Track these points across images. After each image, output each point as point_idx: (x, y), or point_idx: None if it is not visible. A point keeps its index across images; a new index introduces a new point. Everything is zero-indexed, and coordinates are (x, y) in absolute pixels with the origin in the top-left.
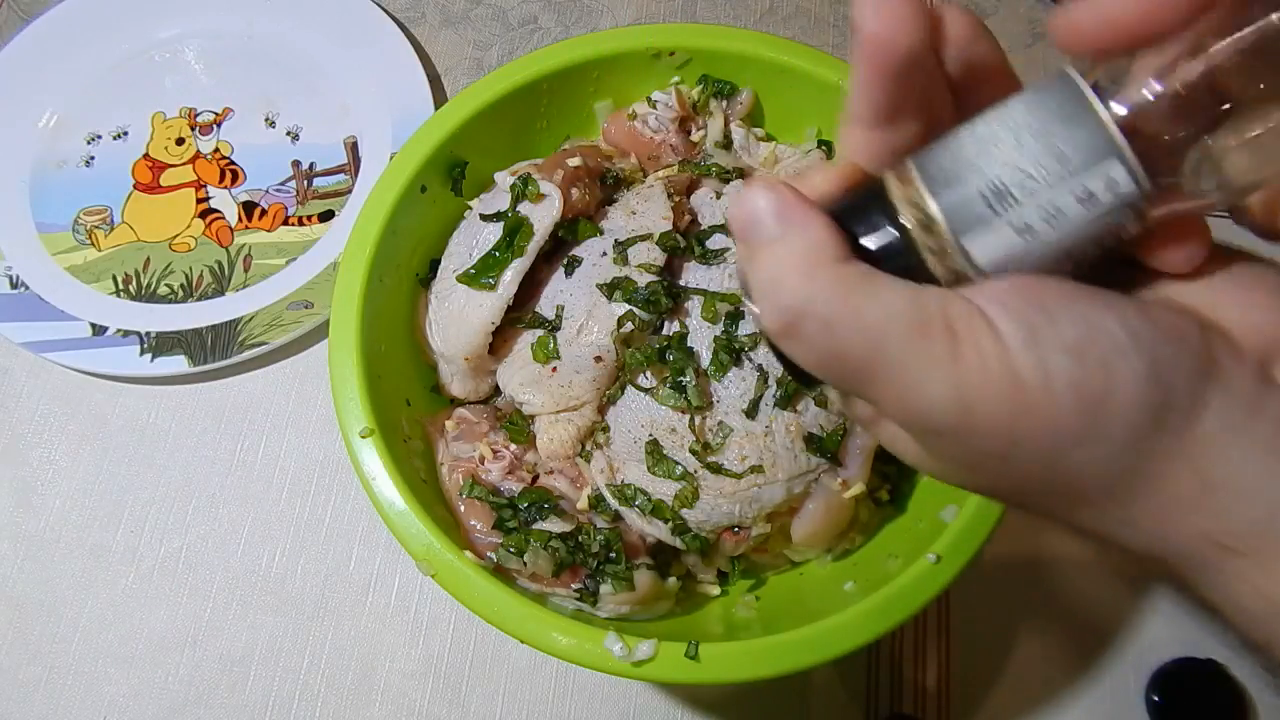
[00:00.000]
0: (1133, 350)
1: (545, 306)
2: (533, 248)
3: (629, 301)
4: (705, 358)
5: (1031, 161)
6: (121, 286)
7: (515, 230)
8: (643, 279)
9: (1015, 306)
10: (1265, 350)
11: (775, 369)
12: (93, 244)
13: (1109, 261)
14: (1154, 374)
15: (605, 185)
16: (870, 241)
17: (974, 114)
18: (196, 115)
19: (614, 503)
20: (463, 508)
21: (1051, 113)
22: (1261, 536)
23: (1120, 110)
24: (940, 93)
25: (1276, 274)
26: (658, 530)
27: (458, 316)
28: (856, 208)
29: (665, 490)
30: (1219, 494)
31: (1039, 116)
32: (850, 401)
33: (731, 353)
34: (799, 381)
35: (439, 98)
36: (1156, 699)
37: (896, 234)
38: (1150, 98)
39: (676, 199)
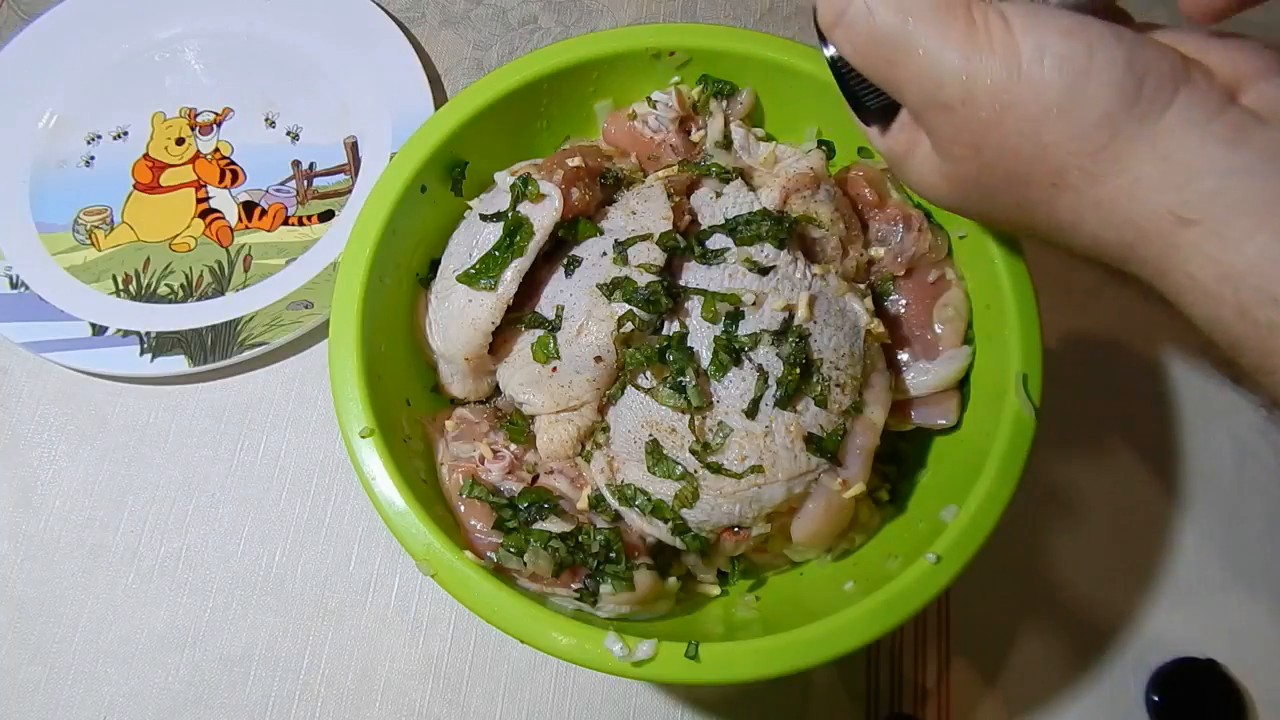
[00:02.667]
0: (1115, 43)
1: (545, 306)
2: (533, 248)
3: (629, 301)
4: (705, 358)
5: None
6: (121, 286)
7: (515, 230)
8: (643, 279)
9: (1027, 5)
10: (1235, 82)
11: (775, 369)
12: (93, 244)
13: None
14: (1130, 64)
15: (605, 185)
16: None
17: None
18: (196, 115)
19: (614, 503)
20: (463, 508)
21: None
22: (1212, 203)
23: None
24: None
25: (1259, 44)
26: (658, 530)
27: (458, 316)
28: None
29: (665, 490)
30: (1177, 171)
31: None
32: (891, 134)
33: (731, 353)
34: (859, 116)
35: (439, 98)
36: (1156, 699)
37: None
38: None
39: (676, 199)
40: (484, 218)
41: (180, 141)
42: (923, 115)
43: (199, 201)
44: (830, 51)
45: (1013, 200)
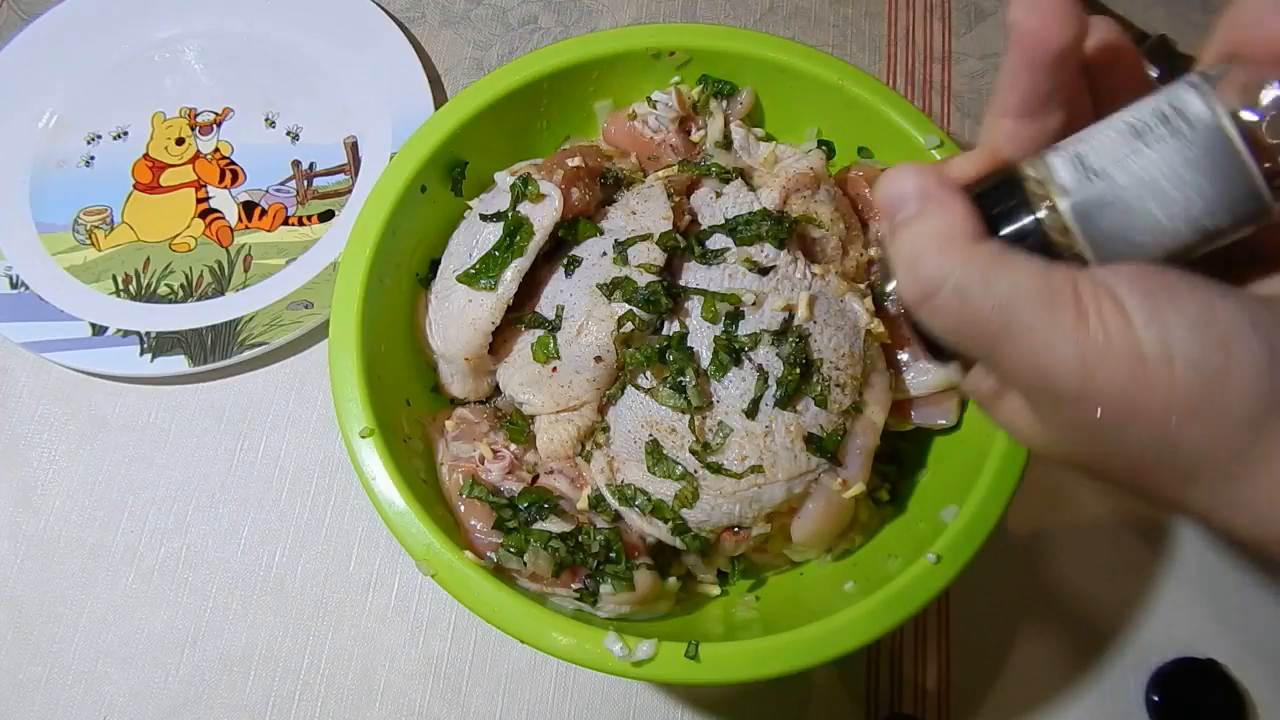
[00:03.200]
0: (1252, 333)
1: (545, 306)
2: (533, 248)
3: (629, 301)
4: (705, 358)
5: (1160, 169)
6: (121, 286)
7: (515, 230)
8: (643, 279)
9: (1141, 286)
10: None
11: (775, 369)
12: (93, 244)
13: (1228, 259)
14: (1273, 357)
15: (605, 185)
16: (1006, 224)
17: (1109, 113)
18: (196, 115)
19: (614, 503)
20: (463, 508)
21: (1182, 126)
22: None
23: (1251, 119)
24: (1081, 91)
25: None
26: (658, 530)
27: (458, 316)
28: (995, 193)
29: (665, 490)
30: None
31: (1169, 126)
32: (974, 377)
33: (731, 353)
34: (932, 354)
35: (439, 98)
36: (1156, 699)
37: (1030, 220)
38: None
39: (676, 199)
40: (484, 218)
41: (180, 141)
42: (1026, 394)
43: (199, 201)
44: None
45: (1130, 480)
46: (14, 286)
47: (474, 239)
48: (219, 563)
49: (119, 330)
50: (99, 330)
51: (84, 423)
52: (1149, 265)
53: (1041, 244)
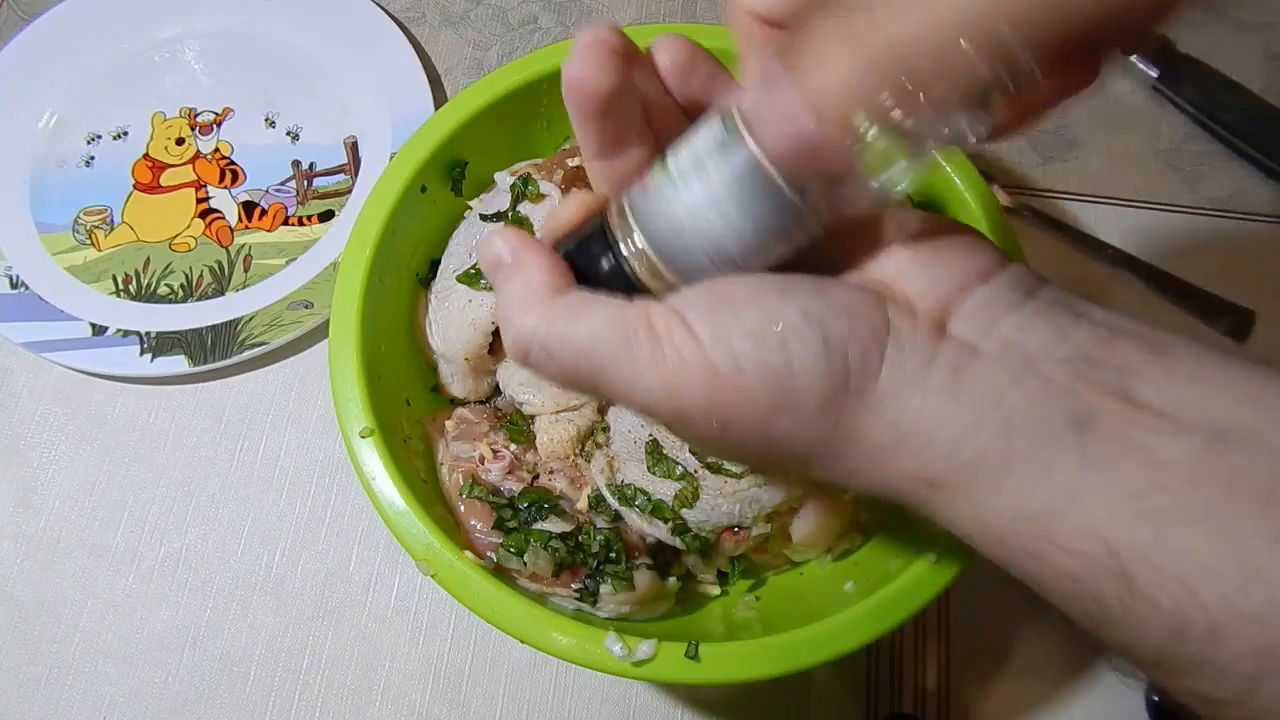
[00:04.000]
0: (805, 329)
1: None
2: None
3: None
4: None
5: (712, 194)
6: (121, 286)
7: None
8: None
9: (706, 306)
10: (940, 308)
11: None
12: (93, 244)
13: (810, 251)
14: (827, 346)
15: None
16: (598, 268)
17: (672, 142)
18: (196, 115)
19: (614, 503)
20: (463, 508)
21: (720, 151)
22: (952, 470)
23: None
24: (669, 116)
25: (960, 235)
26: (658, 530)
27: (458, 316)
28: (585, 239)
29: (665, 490)
30: (909, 439)
31: (712, 156)
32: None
33: None
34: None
35: (439, 98)
36: (1156, 699)
37: (614, 261)
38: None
39: None
40: (484, 218)
41: (180, 141)
42: (645, 420)
43: (199, 201)
44: None
45: (761, 466)
46: (14, 286)
47: (474, 239)
48: (219, 563)
49: (119, 330)
50: (99, 330)
51: (84, 423)
52: (719, 281)
53: (634, 279)
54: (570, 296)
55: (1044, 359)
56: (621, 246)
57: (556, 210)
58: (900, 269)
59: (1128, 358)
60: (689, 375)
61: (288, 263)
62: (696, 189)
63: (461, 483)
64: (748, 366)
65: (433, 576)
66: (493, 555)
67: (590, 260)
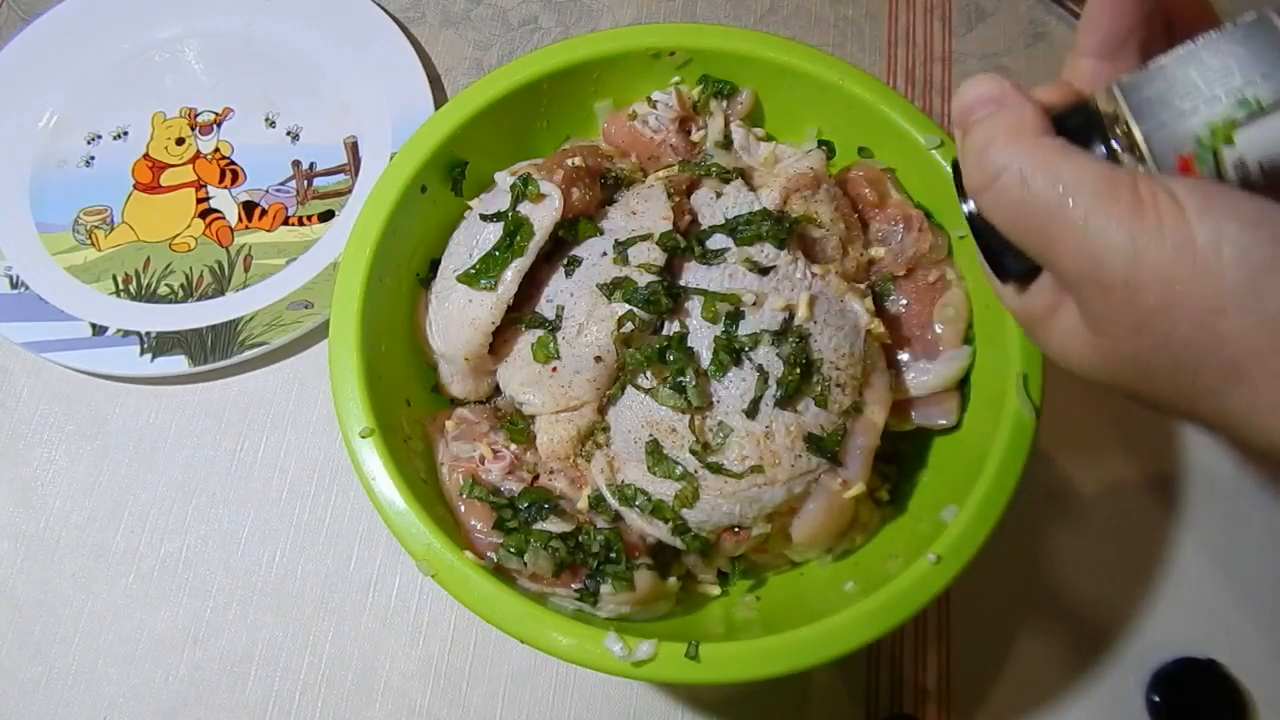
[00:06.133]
0: None
1: (545, 306)
2: (533, 248)
3: (629, 301)
4: (705, 358)
5: (1225, 91)
6: (121, 286)
7: (515, 230)
8: (643, 279)
9: (1199, 187)
10: None
11: (775, 369)
12: (93, 244)
13: None
14: None
15: (605, 185)
16: (1077, 140)
17: (1174, 47)
18: (196, 115)
19: (614, 503)
20: (463, 508)
21: (1245, 50)
22: None
23: None
24: (1157, 32)
25: None
26: (658, 530)
27: (458, 316)
28: (1070, 116)
29: (665, 490)
30: None
31: (1234, 54)
32: (1031, 296)
33: (731, 353)
34: (995, 273)
35: (439, 98)
36: (1156, 699)
37: (1101, 145)
38: None
39: (676, 199)
40: (484, 218)
41: (180, 141)
42: (1077, 290)
43: (199, 201)
44: (969, 207)
45: (1174, 387)
46: (14, 286)
47: (474, 239)
48: (219, 563)
49: (119, 330)
50: (99, 330)
51: (84, 423)
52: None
53: (1116, 160)
54: (1059, 140)
55: None
56: (1113, 133)
57: (1035, 90)
58: None
59: None
60: (1160, 242)
61: (288, 263)
62: (1214, 77)
63: (461, 483)
64: (1229, 249)
65: (433, 576)
66: (493, 555)
67: (1073, 136)
